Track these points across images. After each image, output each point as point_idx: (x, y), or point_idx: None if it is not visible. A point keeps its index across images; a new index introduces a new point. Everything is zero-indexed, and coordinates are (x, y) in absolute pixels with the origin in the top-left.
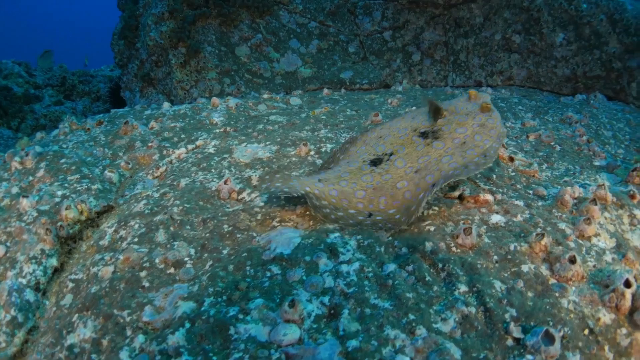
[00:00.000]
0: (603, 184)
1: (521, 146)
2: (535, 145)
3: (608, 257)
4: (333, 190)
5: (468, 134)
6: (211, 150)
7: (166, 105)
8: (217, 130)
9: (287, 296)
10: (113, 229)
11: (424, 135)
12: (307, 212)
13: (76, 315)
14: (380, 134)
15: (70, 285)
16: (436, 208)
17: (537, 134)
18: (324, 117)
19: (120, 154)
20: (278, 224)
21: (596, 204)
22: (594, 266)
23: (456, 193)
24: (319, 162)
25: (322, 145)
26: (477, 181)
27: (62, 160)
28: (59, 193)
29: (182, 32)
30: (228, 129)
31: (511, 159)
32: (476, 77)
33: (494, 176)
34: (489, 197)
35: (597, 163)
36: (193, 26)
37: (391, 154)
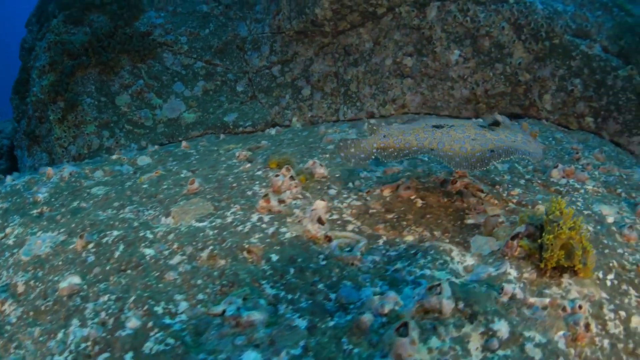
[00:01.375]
0: (439, 284)
1: (368, 206)
2: (389, 202)
3: None
4: (397, 140)
5: (518, 139)
6: (10, 242)
7: (9, 179)
8: (34, 212)
9: None
10: None
11: (482, 127)
12: None
13: None
14: (444, 123)
15: None
16: None
17: (394, 186)
18: (146, 185)
19: None
20: None
21: (407, 335)
22: None
23: None
24: (91, 259)
25: (107, 234)
26: (261, 282)
27: None
28: None
29: (59, 85)
30: (45, 208)
31: (328, 239)
32: (368, 108)
33: (292, 270)
34: (254, 317)
35: (470, 221)
36: (72, 78)
37: (452, 126)
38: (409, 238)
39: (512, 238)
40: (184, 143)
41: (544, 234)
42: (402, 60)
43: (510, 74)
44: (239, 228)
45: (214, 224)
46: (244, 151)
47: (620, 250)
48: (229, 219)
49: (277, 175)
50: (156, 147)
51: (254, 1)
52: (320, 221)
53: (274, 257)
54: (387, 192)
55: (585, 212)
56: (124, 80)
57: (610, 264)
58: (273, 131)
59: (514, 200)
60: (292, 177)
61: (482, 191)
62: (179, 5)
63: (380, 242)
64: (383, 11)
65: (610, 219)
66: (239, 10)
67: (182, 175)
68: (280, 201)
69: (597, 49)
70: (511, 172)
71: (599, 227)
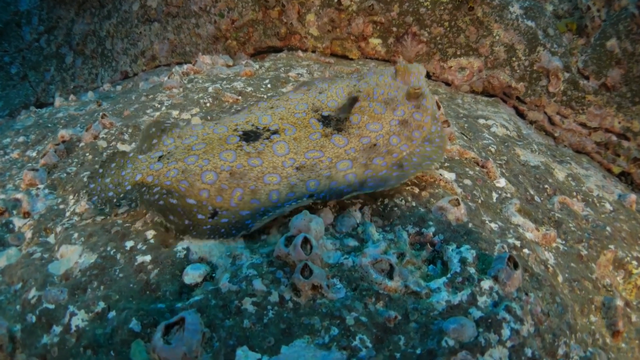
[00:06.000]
0: None
1: None
2: None
3: None
4: (173, 169)
5: (382, 133)
6: None
7: None
8: None
9: None
10: None
11: (325, 120)
12: None
13: None
14: (273, 104)
15: None
16: None
17: None
18: None
19: None
20: None
21: None
22: None
23: None
24: None
25: None
26: None
27: None
28: None
29: None
30: None
31: None
32: (122, 66)
33: None
34: None
35: None
36: None
37: (275, 132)
38: None
39: None
40: None
41: None
42: (146, 1)
43: None
44: None
45: None
46: None
47: None
48: None
49: None
50: None
51: None
52: None
53: None
54: None
55: None
56: None
57: None
58: None
59: None
60: None
61: None
62: None
63: None
64: None
65: None
66: None
67: None
68: None
69: None
70: None
71: None
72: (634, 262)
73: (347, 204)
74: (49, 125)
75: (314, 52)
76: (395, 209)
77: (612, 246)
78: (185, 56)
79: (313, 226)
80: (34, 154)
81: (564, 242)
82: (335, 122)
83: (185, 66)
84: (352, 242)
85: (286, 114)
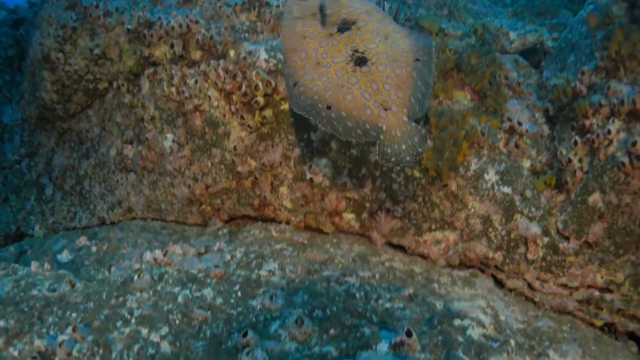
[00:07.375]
0: None
1: None
2: None
3: None
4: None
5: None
6: None
7: None
8: None
9: None
10: None
11: (343, 29)
12: None
13: None
14: (318, 61)
15: None
16: None
17: None
18: None
19: None
20: None
21: None
22: None
23: None
24: None
25: None
26: None
27: None
28: None
29: None
30: None
31: None
32: (99, 212)
33: None
34: None
35: None
36: None
37: (355, 50)
38: None
39: None
40: None
41: None
42: (122, 149)
43: (230, 162)
44: None
45: None
46: None
47: None
48: None
49: None
50: None
51: (21, 79)
52: None
53: None
54: None
55: None
56: None
57: None
58: None
59: None
60: None
61: None
62: None
63: None
64: (105, 86)
65: None
66: (7, 92)
67: None
68: None
69: None
70: None
71: None
72: None
73: None
74: (26, 309)
75: (288, 223)
76: None
77: None
78: (161, 213)
79: None
80: (16, 353)
81: None
82: (345, 24)
83: (156, 252)
84: None
85: (331, 51)
